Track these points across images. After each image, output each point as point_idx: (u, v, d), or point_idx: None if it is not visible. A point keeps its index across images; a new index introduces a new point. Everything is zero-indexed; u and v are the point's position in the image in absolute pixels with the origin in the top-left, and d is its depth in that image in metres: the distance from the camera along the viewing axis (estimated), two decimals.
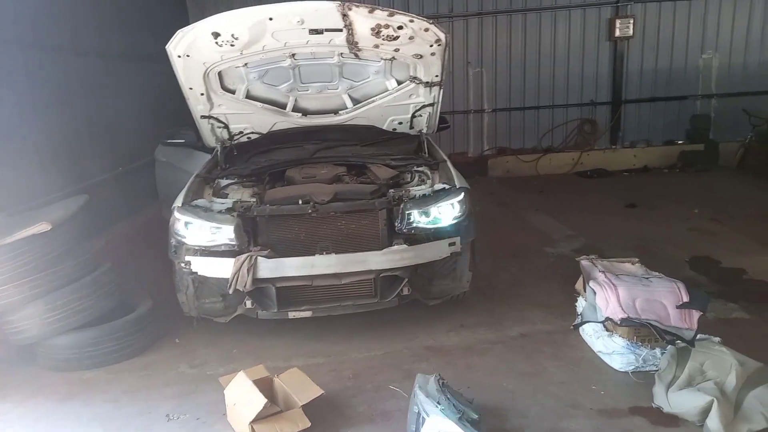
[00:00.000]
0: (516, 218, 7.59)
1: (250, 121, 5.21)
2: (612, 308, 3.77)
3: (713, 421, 2.96)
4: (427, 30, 4.24)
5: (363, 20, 4.12)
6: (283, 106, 5.17)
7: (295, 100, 5.17)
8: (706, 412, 3.01)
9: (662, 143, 10.68)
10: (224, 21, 4.11)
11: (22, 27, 5.07)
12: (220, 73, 4.70)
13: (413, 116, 5.32)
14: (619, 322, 3.69)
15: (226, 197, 4.43)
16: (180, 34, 4.16)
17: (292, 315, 4.12)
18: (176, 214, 4.10)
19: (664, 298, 3.76)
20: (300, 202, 4.08)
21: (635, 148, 10.59)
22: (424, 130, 5.46)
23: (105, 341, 4.09)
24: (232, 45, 4.27)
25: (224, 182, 4.71)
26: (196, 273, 4.07)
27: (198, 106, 4.89)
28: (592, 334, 3.96)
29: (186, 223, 4.03)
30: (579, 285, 4.47)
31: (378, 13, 4.08)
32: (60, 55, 5.63)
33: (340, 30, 4.22)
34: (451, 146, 10.30)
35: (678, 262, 5.49)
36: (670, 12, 10.24)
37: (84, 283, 4.13)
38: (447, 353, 4.06)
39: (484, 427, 2.87)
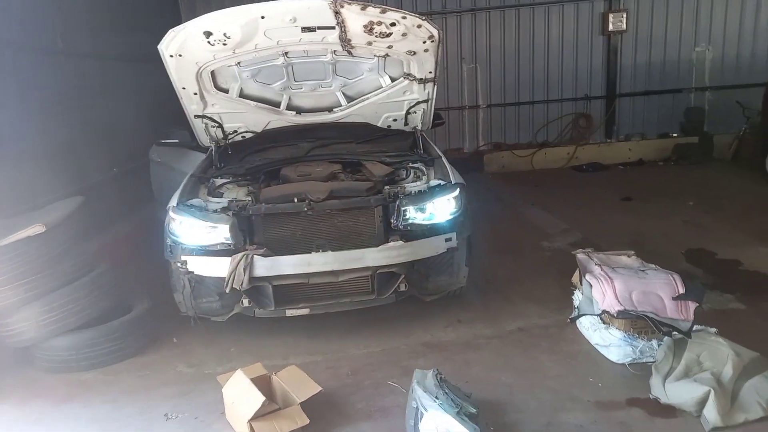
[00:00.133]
0: (512, 213, 7.61)
1: (244, 120, 5.19)
2: (608, 301, 3.78)
3: (710, 411, 2.97)
4: (419, 26, 4.23)
5: (355, 17, 4.11)
6: (277, 105, 5.16)
7: (289, 99, 5.15)
8: (703, 402, 3.03)
9: (657, 136, 10.70)
10: (216, 20, 4.09)
11: (15, 30, 5.05)
12: (212, 73, 4.68)
13: (408, 113, 5.32)
14: (615, 315, 3.70)
15: (222, 196, 4.42)
16: (171, 33, 4.14)
17: (289, 313, 4.12)
18: (171, 213, 4.10)
19: (661, 290, 3.78)
20: (295, 200, 4.08)
21: (630, 142, 10.62)
22: (419, 127, 5.45)
23: (102, 342, 4.09)
24: (224, 44, 4.25)
25: (219, 181, 4.70)
26: (192, 272, 4.06)
27: (191, 106, 4.88)
28: (589, 327, 3.98)
29: (181, 223, 4.03)
30: (575, 278, 4.49)
31: (370, 10, 4.06)
32: (54, 57, 5.61)
33: (333, 27, 4.20)
34: (447, 142, 10.31)
35: (673, 254, 5.50)
36: (663, 5, 10.26)
37: (80, 284, 4.12)
38: (444, 349, 4.07)
39: (483, 421, 2.88)
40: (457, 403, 2.88)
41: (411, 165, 4.82)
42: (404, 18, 4.15)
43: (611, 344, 3.72)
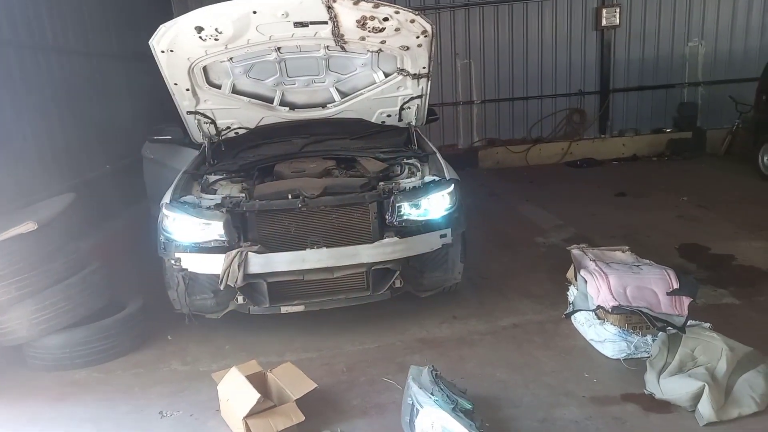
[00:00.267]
0: (507, 209, 7.61)
1: (237, 116, 5.16)
2: (603, 296, 3.78)
3: (704, 406, 2.98)
4: (413, 21, 4.21)
5: (348, 12, 4.08)
6: (270, 101, 5.13)
7: (282, 94, 5.13)
8: (697, 397, 3.04)
9: (650, 131, 10.74)
10: (207, 15, 4.06)
11: (7, 27, 4.99)
12: (205, 68, 4.65)
13: (402, 108, 5.30)
14: (610, 310, 3.70)
15: (215, 193, 4.39)
16: (163, 29, 4.10)
17: (284, 310, 4.11)
18: (165, 210, 4.07)
19: (655, 286, 3.79)
20: (289, 196, 4.06)
21: (624, 137, 10.65)
22: (413, 123, 5.44)
23: (95, 340, 4.06)
24: (216, 39, 4.22)
25: (213, 178, 4.67)
26: (186, 270, 4.04)
27: (184, 102, 4.85)
28: (583, 322, 3.98)
29: (175, 220, 4.00)
30: (570, 274, 4.49)
31: (363, 4, 4.04)
32: (47, 54, 5.56)
33: (326, 22, 4.18)
34: (441, 138, 10.30)
35: (667, 249, 5.52)
36: (656, 1, 10.27)
37: (73, 282, 4.09)
38: (439, 345, 4.07)
39: (478, 417, 2.88)
40: (453, 399, 2.87)
41: (405, 161, 4.81)
42: (397, 13, 4.13)
43: (606, 339, 3.73)
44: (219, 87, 4.86)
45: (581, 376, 3.54)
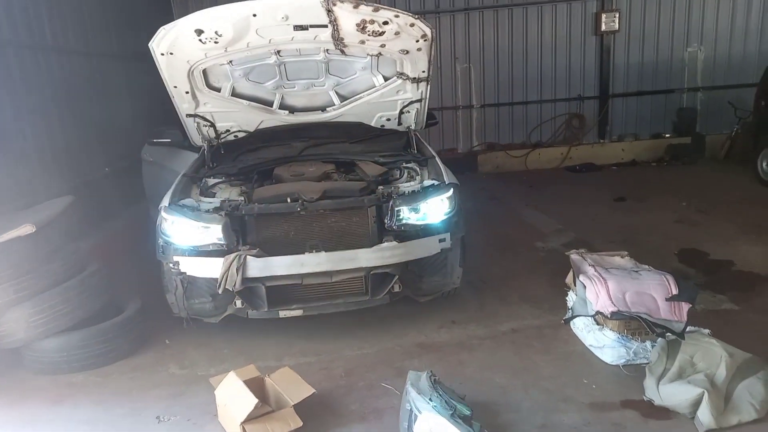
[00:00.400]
0: (506, 213, 7.61)
1: (237, 119, 5.15)
2: (602, 302, 3.77)
3: (704, 412, 2.97)
4: (412, 25, 4.21)
5: (348, 16, 4.08)
6: (269, 104, 5.12)
7: (282, 98, 5.12)
8: (696, 404, 3.03)
9: (650, 137, 10.75)
10: (207, 18, 4.06)
11: (8, 27, 4.99)
12: (204, 71, 4.64)
13: (401, 112, 5.30)
14: (609, 316, 3.69)
15: (214, 196, 4.38)
16: (162, 31, 4.10)
17: (282, 314, 4.09)
18: (163, 213, 4.06)
19: (654, 291, 3.78)
20: (288, 200, 4.05)
21: (623, 142, 10.66)
22: (413, 127, 5.44)
23: (93, 343, 4.04)
24: (216, 42, 4.22)
25: (212, 181, 4.66)
26: (184, 273, 4.02)
27: (183, 105, 4.84)
28: (582, 328, 3.97)
29: (173, 223, 3.99)
30: (569, 279, 4.48)
31: (363, 8, 4.04)
32: (43, 54, 5.55)
33: (325, 26, 4.17)
34: (441, 142, 10.30)
35: (666, 254, 5.52)
36: (655, 6, 10.31)
37: (71, 284, 4.08)
38: (438, 349, 4.06)
39: (477, 423, 2.87)
40: (451, 404, 2.86)
41: (404, 165, 4.81)
42: (397, 17, 4.13)
43: (605, 345, 3.72)
44: (218, 90, 4.85)
45: (580, 381, 3.53)
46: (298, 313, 4.10)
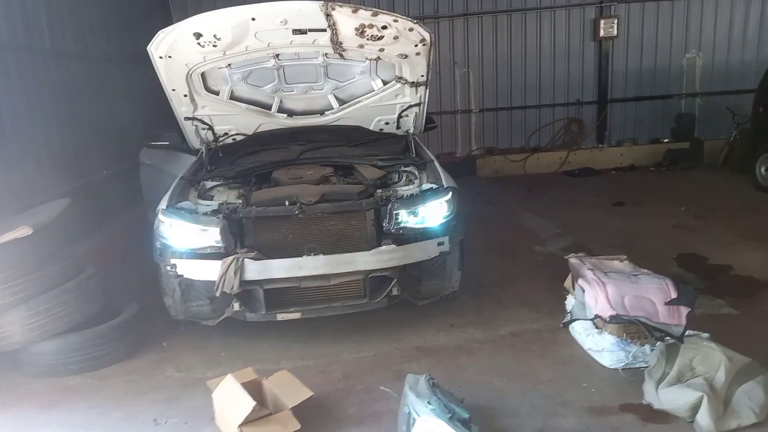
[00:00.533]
0: (505, 217, 7.60)
1: (235, 122, 5.15)
2: (601, 306, 3.76)
3: (703, 416, 2.96)
4: (411, 30, 4.21)
5: (347, 20, 4.08)
6: (268, 107, 5.12)
7: (281, 101, 5.12)
8: (696, 407, 3.01)
9: (648, 142, 10.77)
10: (206, 21, 4.06)
11: (7, 30, 4.99)
12: (203, 74, 4.64)
13: (400, 116, 5.30)
14: (608, 320, 3.69)
15: (212, 199, 4.38)
16: (161, 34, 4.10)
17: (280, 317, 4.07)
18: (161, 216, 4.05)
19: (653, 295, 3.77)
20: (287, 203, 4.04)
21: (622, 147, 10.68)
22: (411, 130, 5.43)
23: (89, 346, 4.03)
24: (214, 45, 4.22)
25: (210, 184, 4.66)
26: (182, 276, 4.02)
27: (181, 108, 4.84)
28: (581, 331, 3.96)
29: (171, 226, 3.98)
30: (568, 283, 4.48)
31: (362, 12, 4.05)
32: (41, 58, 5.56)
33: (324, 30, 4.18)
34: (439, 147, 10.31)
35: (665, 259, 5.51)
36: (654, 12, 10.34)
37: (67, 287, 4.06)
38: (437, 353, 4.04)
39: (475, 426, 2.85)
40: (450, 408, 2.85)
41: (403, 168, 4.81)
42: (396, 21, 4.14)
43: (604, 349, 3.71)
44: (217, 93, 4.85)
45: (579, 385, 3.52)
46: (296, 316, 4.08)
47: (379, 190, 4.30)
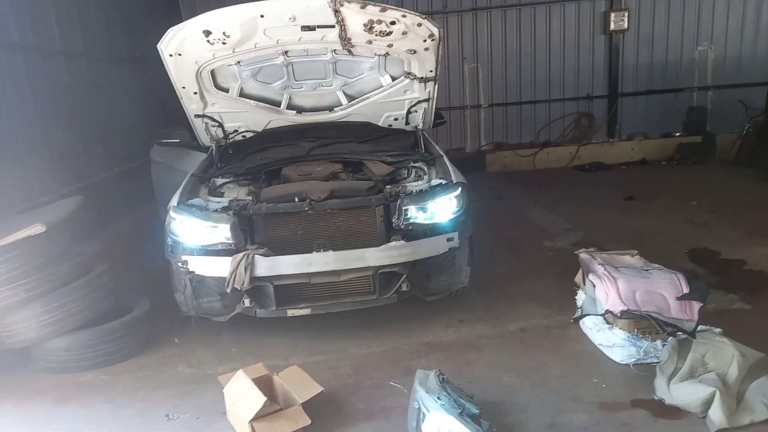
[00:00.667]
0: (514, 213, 7.58)
1: (245, 119, 5.17)
2: (612, 301, 3.75)
3: (715, 412, 2.94)
4: (420, 25, 4.20)
5: (355, 16, 4.08)
6: (277, 104, 5.13)
7: (290, 98, 5.13)
8: (708, 403, 2.99)
9: (659, 136, 10.67)
10: (215, 19, 4.07)
11: (14, 30, 5.03)
12: (212, 72, 4.66)
13: (409, 112, 5.28)
14: (619, 315, 3.67)
15: (222, 196, 4.40)
16: (171, 32, 4.12)
17: (290, 313, 4.09)
18: (172, 213, 4.08)
19: (664, 290, 3.75)
20: (296, 199, 4.05)
21: (632, 141, 10.59)
22: (420, 126, 5.42)
23: (102, 342, 4.06)
24: (223, 43, 4.23)
25: (220, 181, 4.68)
26: (193, 272, 4.04)
27: (191, 105, 4.86)
28: (592, 327, 3.94)
29: (182, 223, 4.01)
30: (578, 278, 4.46)
31: (370, 8, 4.03)
32: (51, 57, 5.60)
33: (333, 26, 4.17)
34: (449, 142, 10.29)
35: (677, 253, 5.47)
36: (665, 4, 10.24)
37: (79, 284, 4.10)
38: (446, 349, 4.04)
39: (485, 422, 2.85)
40: (460, 403, 2.85)
41: (412, 164, 4.79)
42: (404, 16, 4.13)
43: (615, 344, 3.69)
44: (226, 90, 4.87)
45: (589, 381, 3.50)
46: (306, 312, 4.10)
47: (388, 186, 4.30)
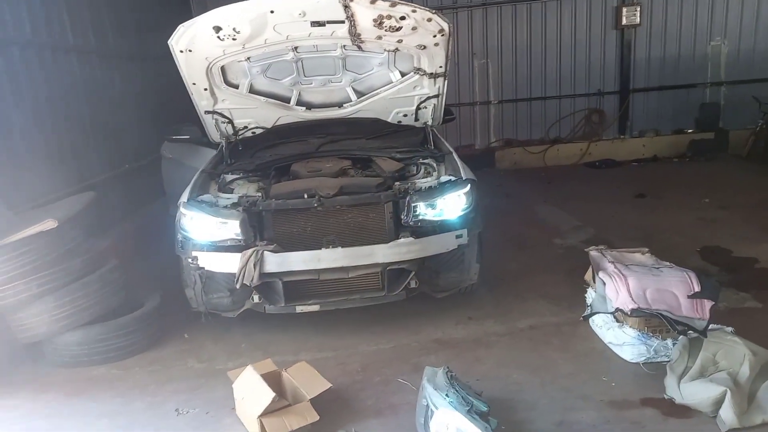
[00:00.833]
0: (524, 210, 7.54)
1: (254, 115, 5.18)
2: (622, 299, 3.73)
3: (726, 411, 2.92)
4: (429, 20, 4.19)
5: (365, 11, 4.07)
6: (286, 100, 5.14)
7: (299, 94, 5.13)
8: (719, 402, 2.97)
9: (671, 132, 10.56)
10: (225, 15, 4.08)
11: (23, 27, 5.06)
12: (222, 68, 4.67)
13: (418, 108, 5.28)
14: (629, 313, 3.65)
15: (232, 192, 4.42)
16: (182, 28, 4.13)
17: (299, 309, 4.11)
18: (182, 209, 4.10)
19: (675, 288, 3.72)
20: (305, 196, 4.06)
21: (644, 138, 10.48)
22: (430, 122, 5.42)
23: (113, 337, 4.11)
24: (233, 39, 4.24)
25: (230, 177, 4.70)
26: (203, 268, 4.07)
27: (202, 102, 4.88)
28: (602, 325, 3.93)
29: (192, 219, 4.03)
30: (588, 276, 4.43)
31: (380, 3, 4.02)
32: (63, 54, 5.63)
33: (342, 22, 4.17)
34: (458, 139, 10.23)
35: (688, 251, 5.43)
36: None
37: (91, 279, 4.14)
38: (455, 346, 4.04)
39: (494, 419, 2.85)
40: (468, 401, 2.85)
41: (421, 161, 4.79)
42: (414, 12, 4.11)
43: (625, 343, 3.67)
44: (236, 87, 4.88)
45: (599, 379, 3.49)
46: (314, 308, 4.11)
47: (397, 183, 4.30)
